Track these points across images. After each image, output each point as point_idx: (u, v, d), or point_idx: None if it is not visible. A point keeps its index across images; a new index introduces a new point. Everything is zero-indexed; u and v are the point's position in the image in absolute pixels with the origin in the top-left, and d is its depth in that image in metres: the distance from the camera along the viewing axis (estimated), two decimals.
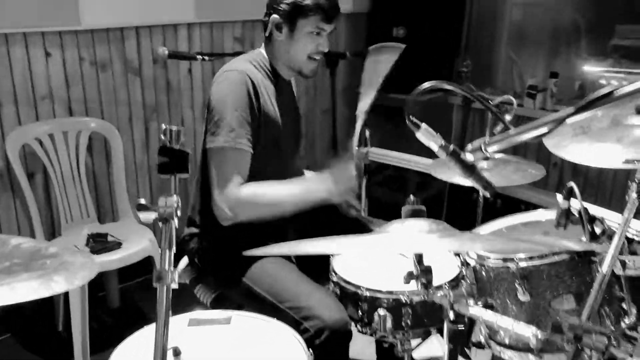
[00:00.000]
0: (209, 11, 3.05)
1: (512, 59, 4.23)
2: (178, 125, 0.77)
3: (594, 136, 1.37)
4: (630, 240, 1.40)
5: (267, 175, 1.73)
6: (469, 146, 1.05)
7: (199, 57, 2.34)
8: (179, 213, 0.75)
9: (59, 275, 0.93)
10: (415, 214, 1.01)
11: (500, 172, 1.94)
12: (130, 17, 2.76)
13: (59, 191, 2.55)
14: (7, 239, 1.13)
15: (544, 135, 0.89)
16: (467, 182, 1.59)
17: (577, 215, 1.33)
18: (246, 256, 1.69)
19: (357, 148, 1.74)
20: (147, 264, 2.49)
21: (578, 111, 0.83)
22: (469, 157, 1.05)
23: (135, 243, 2.44)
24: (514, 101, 1.99)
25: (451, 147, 1.07)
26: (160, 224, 0.74)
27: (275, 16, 1.72)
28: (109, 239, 2.47)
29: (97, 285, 2.81)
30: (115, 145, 2.67)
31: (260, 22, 1.79)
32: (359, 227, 2.03)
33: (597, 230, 1.30)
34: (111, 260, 2.35)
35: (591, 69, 4.04)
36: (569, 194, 1.33)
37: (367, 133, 2.50)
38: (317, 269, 1.88)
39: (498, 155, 2.09)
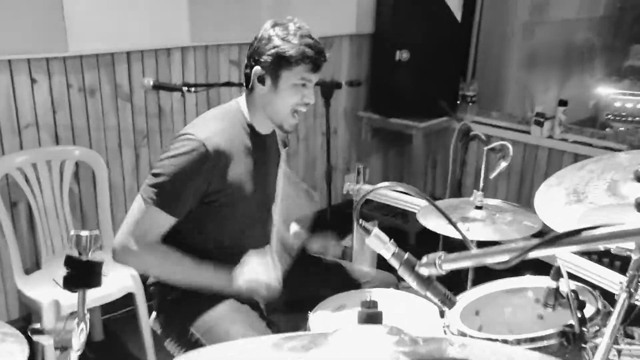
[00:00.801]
0: (204, 34, 2.98)
1: (522, 84, 4.11)
2: (92, 229, 0.68)
3: (588, 205, 1.26)
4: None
5: (223, 239, 1.69)
6: (423, 259, 0.94)
7: (185, 88, 2.26)
8: (82, 338, 0.65)
9: None
10: (371, 319, 0.90)
11: (493, 224, 1.82)
12: (121, 42, 2.68)
13: (40, 222, 2.47)
14: None
15: (503, 263, 0.78)
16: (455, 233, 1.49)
17: (565, 298, 1.22)
18: (196, 303, 1.64)
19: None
20: (130, 296, 2.42)
21: (542, 246, 0.72)
22: (422, 271, 0.93)
23: (117, 279, 2.36)
24: (510, 148, 1.87)
25: (405, 255, 0.96)
26: (57, 352, 0.65)
27: (257, 68, 1.62)
28: None
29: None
30: (100, 174, 2.59)
31: (243, 74, 1.70)
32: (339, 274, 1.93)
33: (589, 313, 1.19)
34: (90, 298, 2.26)
35: (605, 90, 3.91)
36: (557, 275, 1.22)
37: (362, 168, 2.40)
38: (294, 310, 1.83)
39: (493, 203, 1.98)
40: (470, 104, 3.99)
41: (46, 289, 2.30)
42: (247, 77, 1.66)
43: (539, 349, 1.22)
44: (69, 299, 2.26)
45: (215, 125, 1.62)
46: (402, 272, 0.95)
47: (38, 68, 2.48)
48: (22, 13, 2.36)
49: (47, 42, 2.45)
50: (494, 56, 4.18)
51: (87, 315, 0.66)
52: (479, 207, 1.87)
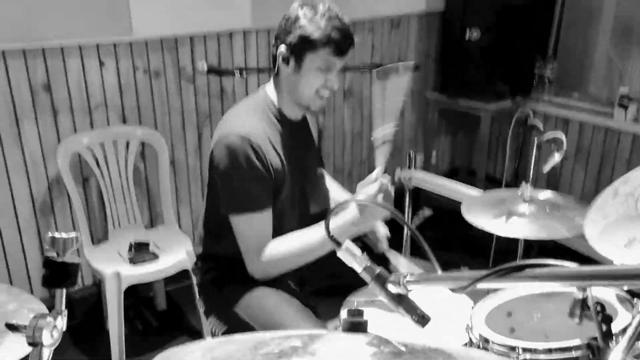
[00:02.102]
0: (267, 17, 2.99)
1: (612, 61, 3.79)
2: (69, 231, 0.72)
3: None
4: None
5: (285, 226, 1.69)
6: (392, 276, 0.90)
7: (237, 72, 2.30)
8: (55, 334, 0.69)
9: None
10: (354, 328, 0.87)
11: (540, 221, 1.72)
12: (184, 26, 2.77)
13: (107, 197, 2.64)
14: None
15: (459, 289, 0.73)
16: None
17: (591, 310, 1.13)
18: (239, 284, 1.69)
19: (384, 174, 1.59)
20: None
21: (487, 278, 0.67)
22: (391, 288, 0.89)
23: (173, 255, 2.48)
24: (564, 140, 1.75)
25: (377, 270, 0.92)
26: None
27: (282, 48, 1.60)
28: (150, 248, 2.52)
29: (147, 287, 2.91)
30: (162, 153, 2.71)
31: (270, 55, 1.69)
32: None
33: (615, 329, 1.10)
34: (147, 272, 2.41)
35: None
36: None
37: (413, 154, 2.34)
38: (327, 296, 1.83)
39: (544, 196, 1.86)
40: (547, 84, 3.75)
41: (110, 261, 2.46)
42: (274, 57, 1.64)
43: None
44: (130, 271, 2.39)
45: (247, 118, 1.63)
46: (373, 287, 0.92)
47: (106, 52, 2.62)
48: (90, 1, 2.48)
49: (114, 28, 2.57)
50: (579, 32, 3.88)
51: (65, 312, 0.70)
52: (527, 201, 1.77)
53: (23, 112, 2.48)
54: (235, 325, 1.72)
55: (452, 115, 3.96)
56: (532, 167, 1.78)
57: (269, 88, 1.71)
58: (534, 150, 1.81)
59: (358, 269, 0.94)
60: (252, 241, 1.62)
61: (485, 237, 3.53)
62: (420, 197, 3.90)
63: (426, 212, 4.02)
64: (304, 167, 1.84)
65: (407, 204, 2.36)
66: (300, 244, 1.62)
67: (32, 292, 2.70)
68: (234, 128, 1.61)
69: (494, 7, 3.45)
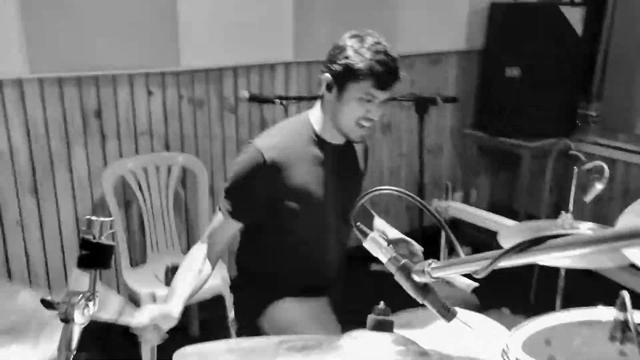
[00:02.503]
0: (308, 51, 3.08)
1: None
2: (106, 215, 0.75)
3: None
4: None
5: (297, 245, 1.74)
6: (417, 266, 0.89)
7: (278, 101, 2.36)
8: (86, 313, 0.72)
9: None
10: (380, 327, 0.87)
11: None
12: (228, 58, 2.87)
13: (147, 222, 2.70)
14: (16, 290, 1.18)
15: (480, 272, 0.72)
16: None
17: (632, 331, 1.08)
18: (263, 296, 1.70)
19: None
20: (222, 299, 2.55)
21: (509, 252, 0.66)
22: (416, 278, 0.89)
23: (209, 280, 2.50)
24: (606, 169, 1.71)
25: (402, 261, 0.92)
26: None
27: (327, 75, 1.64)
28: None
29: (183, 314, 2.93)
30: (202, 179, 2.77)
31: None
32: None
33: None
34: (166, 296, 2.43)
35: None
36: (622, 306, 1.09)
37: (451, 185, 2.33)
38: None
39: (585, 228, 1.81)
40: (591, 124, 3.69)
41: (146, 282, 2.50)
42: (320, 82, 1.69)
43: None
44: (164, 291, 2.41)
45: (278, 135, 1.68)
46: (399, 278, 0.92)
47: (154, 81, 2.74)
48: (142, 32, 2.62)
49: (162, 58, 2.70)
50: (624, 71, 3.82)
51: (98, 293, 0.73)
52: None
53: (74, 136, 2.59)
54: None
55: (491, 153, 3.92)
56: (572, 196, 1.74)
57: (312, 112, 1.75)
58: (574, 180, 1.77)
59: (384, 259, 0.94)
60: (211, 227, 1.70)
61: (525, 271, 3.44)
62: (458, 228, 3.85)
63: (465, 250, 3.95)
64: (345, 190, 1.84)
65: (442, 235, 2.33)
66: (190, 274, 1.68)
67: None
68: (256, 140, 1.67)
69: (535, 45, 3.45)
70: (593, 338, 1.28)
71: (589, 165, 1.77)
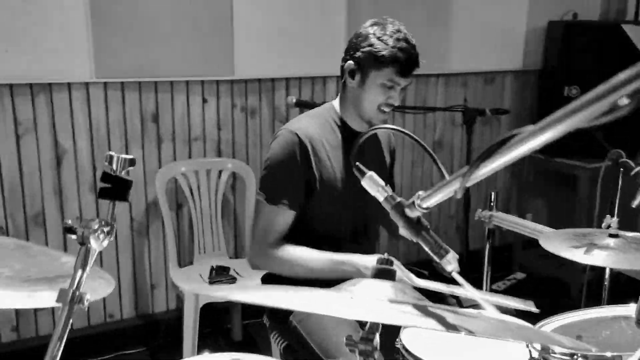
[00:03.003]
0: None
1: None
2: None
3: None
4: None
5: (322, 232, 1.71)
6: (408, 201, 0.90)
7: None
8: (103, 239, 0.76)
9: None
10: (382, 275, 0.88)
11: (626, 253, 1.59)
12: (281, 69, 2.97)
13: (196, 224, 2.79)
14: (59, 256, 1.26)
15: (466, 181, 0.71)
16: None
17: None
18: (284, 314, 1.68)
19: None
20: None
21: (487, 154, 0.65)
22: (409, 213, 0.89)
23: (251, 282, 2.54)
24: None
25: (398, 199, 0.93)
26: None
27: (350, 62, 1.68)
28: (230, 273, 2.61)
29: (225, 318, 2.99)
30: (250, 185, 2.85)
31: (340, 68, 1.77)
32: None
33: None
34: (210, 295, 2.49)
35: None
36: None
37: (494, 194, 2.28)
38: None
39: (632, 235, 1.72)
40: None
41: (191, 281, 2.57)
42: (342, 70, 1.72)
43: None
44: (207, 290, 2.47)
45: (305, 120, 1.73)
46: (394, 216, 0.92)
47: (209, 89, 2.86)
48: (199, 43, 2.76)
49: (218, 68, 2.82)
50: None
51: (115, 225, 0.78)
52: (613, 235, 1.64)
53: (132, 138, 2.74)
54: (294, 340, 1.71)
55: (548, 175, 3.80)
56: (617, 202, 1.66)
57: (336, 101, 1.79)
58: (619, 185, 1.70)
59: (380, 197, 0.95)
60: (259, 229, 1.65)
61: (573, 276, 3.28)
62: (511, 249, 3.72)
63: (518, 275, 3.81)
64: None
65: (487, 244, 2.27)
66: (310, 258, 1.63)
67: (121, 308, 2.86)
68: (287, 125, 1.71)
69: (595, 63, 3.36)
70: (622, 330, 1.22)
71: (638, 169, 1.70)
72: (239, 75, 2.87)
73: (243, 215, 2.98)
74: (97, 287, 1.12)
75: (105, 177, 0.78)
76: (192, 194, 2.78)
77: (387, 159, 1.94)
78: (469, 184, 0.72)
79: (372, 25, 1.66)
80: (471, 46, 3.45)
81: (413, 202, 0.87)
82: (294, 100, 2.45)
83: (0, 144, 2.48)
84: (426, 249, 0.90)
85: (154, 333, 2.93)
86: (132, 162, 0.80)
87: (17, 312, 2.65)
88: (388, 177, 2.00)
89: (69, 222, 0.77)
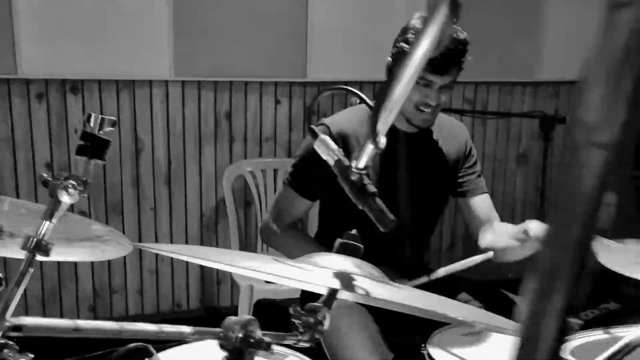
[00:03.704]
0: None
1: None
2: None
3: None
4: None
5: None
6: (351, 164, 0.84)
7: None
8: (73, 193, 0.77)
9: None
10: (347, 250, 0.83)
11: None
12: (354, 72, 2.95)
13: (260, 222, 2.83)
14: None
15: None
16: None
17: None
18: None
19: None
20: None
21: None
22: (353, 176, 0.82)
23: None
24: None
25: (346, 162, 0.86)
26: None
27: (389, 59, 1.64)
28: None
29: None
30: None
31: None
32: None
33: None
34: (279, 289, 2.48)
35: None
36: None
37: None
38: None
39: None
40: None
41: (249, 277, 2.59)
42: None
43: None
44: (263, 285, 2.46)
45: (343, 115, 1.71)
46: (341, 182, 0.86)
47: (282, 91, 2.91)
48: (273, 44, 2.82)
49: (291, 69, 2.86)
50: None
51: (89, 182, 0.79)
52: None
53: (206, 136, 2.85)
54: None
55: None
56: None
57: None
58: None
59: (330, 161, 0.90)
60: (276, 209, 1.71)
61: None
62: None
63: (612, 305, 3.45)
64: (403, 180, 1.73)
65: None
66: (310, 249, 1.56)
67: (188, 299, 2.97)
68: (326, 119, 1.70)
69: None
70: None
71: None
72: (312, 78, 2.89)
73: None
74: (111, 250, 1.17)
75: (84, 135, 0.80)
76: (258, 192, 2.83)
77: (451, 162, 1.78)
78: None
79: (417, 18, 1.59)
80: (563, 54, 3.22)
81: (350, 165, 0.83)
82: (358, 101, 2.41)
83: None
84: (371, 216, 0.84)
85: (217, 326, 2.99)
86: (112, 124, 0.82)
87: (95, 293, 2.83)
88: (454, 183, 1.83)
89: (44, 175, 0.80)
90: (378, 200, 0.85)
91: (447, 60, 1.52)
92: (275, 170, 2.86)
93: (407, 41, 1.56)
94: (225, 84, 2.83)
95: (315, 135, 0.94)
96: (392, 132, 1.68)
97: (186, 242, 2.93)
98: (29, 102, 2.55)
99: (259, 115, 2.91)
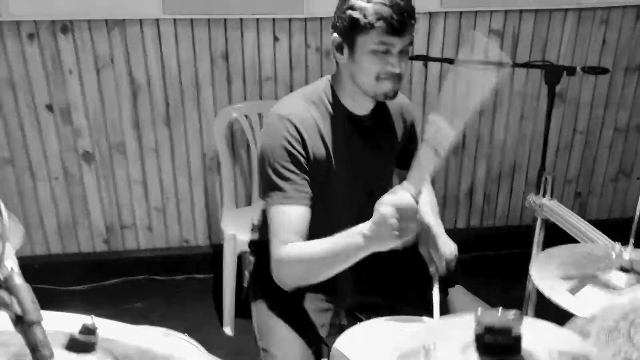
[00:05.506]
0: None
1: None
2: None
3: None
4: None
5: (322, 224, 1.45)
6: None
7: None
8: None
9: None
10: (76, 347, 0.69)
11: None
12: None
13: (254, 166, 2.77)
14: None
15: None
16: None
17: None
18: (263, 283, 1.56)
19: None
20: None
21: None
22: None
23: None
24: None
25: None
26: None
27: (335, 35, 1.45)
28: None
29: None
30: None
31: None
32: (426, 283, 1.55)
33: None
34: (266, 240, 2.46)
35: None
36: None
37: (550, 178, 1.85)
38: None
39: None
40: None
41: (237, 224, 2.57)
42: (331, 47, 1.50)
43: None
44: (245, 235, 2.46)
45: (298, 103, 1.52)
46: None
47: (281, 27, 2.71)
48: None
49: (289, 4, 2.64)
50: None
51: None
52: (625, 270, 1.19)
53: (203, 77, 2.76)
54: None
55: None
56: (636, 219, 1.17)
57: (329, 79, 1.57)
58: None
59: None
60: (274, 231, 1.45)
61: None
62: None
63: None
64: (367, 165, 1.61)
65: (537, 235, 1.86)
66: (324, 245, 1.39)
67: (195, 235, 3.04)
68: (278, 108, 1.54)
69: None
70: None
71: None
72: (309, 13, 2.65)
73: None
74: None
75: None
76: (253, 135, 2.74)
77: (399, 134, 1.68)
78: None
79: None
80: None
81: None
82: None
83: (84, 76, 2.69)
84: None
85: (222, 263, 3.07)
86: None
87: (107, 227, 2.97)
88: (398, 156, 1.72)
89: None
90: None
91: (403, 15, 1.35)
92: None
93: (353, 8, 1.39)
94: (220, 21, 2.68)
95: None
96: (345, 114, 1.54)
97: (190, 183, 2.95)
98: (21, 43, 2.56)
99: (257, 55, 2.75)
